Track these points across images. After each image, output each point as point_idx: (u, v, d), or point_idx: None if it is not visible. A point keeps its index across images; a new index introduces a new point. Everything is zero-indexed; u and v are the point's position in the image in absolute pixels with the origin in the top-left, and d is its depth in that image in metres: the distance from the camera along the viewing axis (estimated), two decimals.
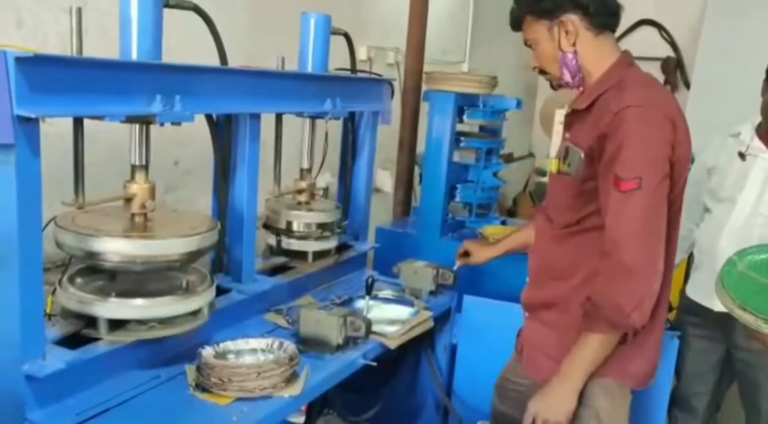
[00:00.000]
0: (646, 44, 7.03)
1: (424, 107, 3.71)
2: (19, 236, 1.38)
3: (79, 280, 1.74)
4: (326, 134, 2.51)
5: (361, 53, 4.10)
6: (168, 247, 1.67)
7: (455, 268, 2.47)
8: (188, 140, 2.88)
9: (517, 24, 1.82)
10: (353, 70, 2.58)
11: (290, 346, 1.77)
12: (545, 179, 3.56)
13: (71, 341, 1.60)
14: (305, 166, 2.40)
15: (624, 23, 6.19)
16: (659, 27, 6.99)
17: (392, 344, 2.05)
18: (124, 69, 1.56)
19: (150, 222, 1.75)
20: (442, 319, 2.51)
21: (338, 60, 2.58)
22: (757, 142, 2.37)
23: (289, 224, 2.37)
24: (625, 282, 1.56)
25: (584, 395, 1.72)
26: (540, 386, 1.76)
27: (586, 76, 1.75)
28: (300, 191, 2.39)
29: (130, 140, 1.71)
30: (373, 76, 2.62)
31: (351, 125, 2.59)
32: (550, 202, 1.89)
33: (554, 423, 1.68)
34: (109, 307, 1.62)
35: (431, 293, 2.46)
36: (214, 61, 1.90)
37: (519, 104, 3.33)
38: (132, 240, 1.63)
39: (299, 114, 2.26)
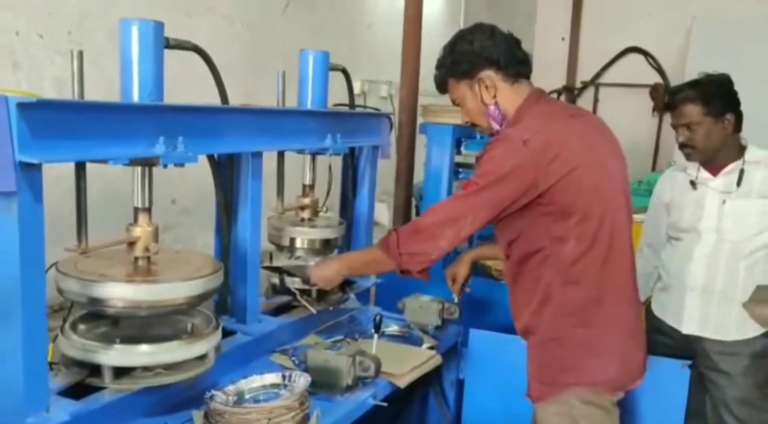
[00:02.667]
0: (634, 72, 7.14)
1: (419, 140, 3.72)
2: (22, 285, 1.34)
3: (81, 326, 1.70)
4: (330, 167, 2.50)
5: (355, 87, 4.11)
6: (174, 291, 1.63)
7: (457, 300, 2.45)
8: (186, 179, 2.86)
9: (442, 87, 2.01)
10: (351, 105, 2.57)
11: (300, 382, 1.72)
12: None
13: (75, 391, 1.55)
14: (307, 182, 2.38)
15: (612, 51, 6.32)
16: (646, 54, 7.08)
17: (402, 383, 2.01)
18: (126, 111, 1.53)
19: (154, 265, 1.72)
20: (449, 353, 2.47)
21: (333, 94, 2.58)
22: (704, 173, 2.47)
23: (292, 241, 2.34)
24: (411, 235, 1.87)
25: (563, 405, 1.87)
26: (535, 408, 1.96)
27: (510, 122, 1.92)
28: (303, 208, 2.37)
29: (132, 183, 1.68)
30: (371, 111, 2.61)
31: (351, 160, 2.57)
32: (499, 242, 2.05)
33: (320, 285, 2.12)
34: (115, 354, 1.57)
35: (437, 327, 2.43)
36: (209, 98, 1.89)
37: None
38: (138, 285, 1.60)
39: (300, 151, 2.24)
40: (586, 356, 1.88)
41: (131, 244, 1.68)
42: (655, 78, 7.03)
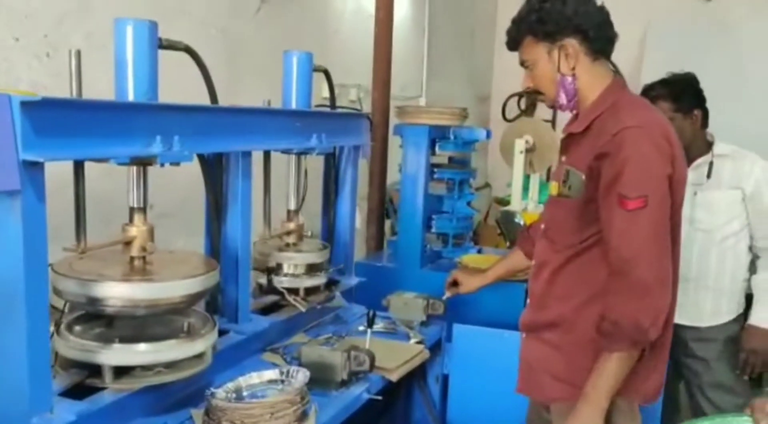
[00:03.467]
0: None
1: (392, 141, 3.76)
2: (26, 284, 1.34)
3: (77, 327, 1.69)
4: (305, 171, 2.51)
5: (325, 91, 4.15)
6: (172, 289, 1.63)
7: (444, 298, 2.49)
8: (163, 183, 2.85)
9: (515, 44, 1.85)
10: (333, 105, 2.60)
11: (300, 377, 1.74)
12: (510, 208, 3.63)
13: (74, 392, 1.55)
14: (292, 207, 2.39)
15: None
16: None
17: (394, 377, 2.04)
18: (126, 110, 1.54)
19: (149, 265, 1.72)
20: (433, 349, 2.51)
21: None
22: None
23: (279, 265, 2.34)
24: (642, 300, 1.60)
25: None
26: (543, 406, 1.86)
27: (581, 100, 1.80)
28: (288, 233, 2.38)
29: (128, 182, 1.68)
30: (352, 111, 2.64)
31: (333, 161, 2.60)
32: (550, 224, 1.90)
33: None
34: (115, 354, 1.57)
35: (422, 323, 2.47)
36: (191, 99, 1.89)
37: (488, 135, 3.40)
38: (136, 284, 1.60)
39: (287, 151, 2.26)
40: (636, 369, 1.70)
41: (127, 244, 1.68)
42: None
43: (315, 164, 2.71)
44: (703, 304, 2.51)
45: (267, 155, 2.23)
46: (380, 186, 3.92)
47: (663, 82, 2.53)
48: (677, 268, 1.77)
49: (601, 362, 1.67)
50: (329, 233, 2.66)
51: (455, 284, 2.47)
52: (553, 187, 1.86)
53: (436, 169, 3.35)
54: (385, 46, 3.86)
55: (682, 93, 2.47)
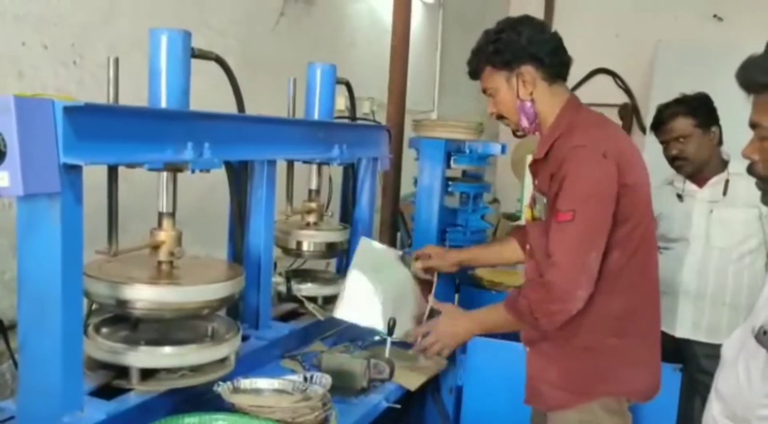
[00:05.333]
0: (602, 92, 7.34)
1: (406, 154, 3.79)
2: (62, 285, 1.37)
3: (104, 329, 1.71)
4: (330, 178, 2.55)
5: (339, 103, 4.20)
6: (201, 293, 1.66)
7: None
8: (180, 191, 2.89)
9: (476, 74, 1.97)
10: (353, 117, 2.64)
11: (322, 382, 1.76)
12: (521, 223, 3.66)
13: (102, 392, 1.57)
14: (314, 186, 2.43)
15: (581, 72, 6.48)
16: (614, 75, 7.31)
17: (412, 386, 2.06)
18: (161, 117, 1.58)
19: (176, 269, 1.75)
20: (448, 361, 2.52)
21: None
22: (690, 185, 2.62)
23: (299, 244, 2.38)
24: (544, 297, 1.76)
25: (585, 413, 1.85)
26: (545, 416, 1.94)
27: (541, 122, 1.91)
28: (309, 212, 2.41)
29: (158, 188, 1.71)
30: (373, 123, 2.67)
31: (352, 171, 2.63)
32: (532, 245, 1.99)
33: (447, 347, 2.04)
34: (142, 356, 1.60)
35: None
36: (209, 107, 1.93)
37: (504, 149, 3.43)
38: (165, 287, 1.63)
39: (309, 161, 2.29)
40: (622, 365, 1.86)
41: (155, 248, 1.71)
42: (623, 98, 7.25)
43: (339, 172, 2.74)
44: (719, 321, 2.52)
45: (290, 165, 2.26)
46: (393, 198, 3.94)
47: (678, 101, 2.57)
48: (654, 272, 1.90)
49: (499, 308, 1.91)
50: (347, 244, 2.68)
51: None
52: (527, 212, 1.99)
53: (450, 183, 3.37)
54: (402, 60, 3.89)
55: (700, 110, 2.51)
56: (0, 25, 2.34)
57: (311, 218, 2.43)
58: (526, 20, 1.88)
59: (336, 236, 2.44)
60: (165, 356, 1.63)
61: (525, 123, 1.92)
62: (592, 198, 1.73)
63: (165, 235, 1.71)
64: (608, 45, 7.20)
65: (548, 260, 1.76)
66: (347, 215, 2.68)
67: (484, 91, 1.97)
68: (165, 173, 1.69)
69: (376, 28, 4.96)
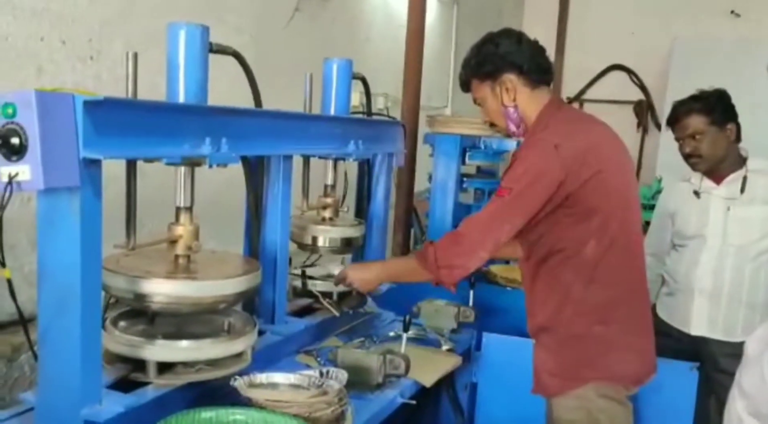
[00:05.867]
0: (617, 88, 7.31)
1: (421, 150, 3.79)
2: (81, 278, 1.37)
3: (121, 323, 1.72)
4: (345, 174, 2.55)
5: (354, 98, 4.20)
6: (218, 288, 1.67)
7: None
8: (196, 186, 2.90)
9: (466, 86, 2.11)
10: (369, 113, 2.63)
11: (339, 377, 1.76)
12: None
13: (119, 385, 1.58)
14: (329, 182, 2.44)
15: (596, 69, 6.45)
16: (629, 72, 7.26)
17: (428, 382, 2.06)
18: (180, 112, 1.58)
19: (193, 264, 1.75)
20: (462, 357, 2.52)
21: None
22: (707, 182, 2.60)
23: (314, 239, 2.39)
24: (450, 248, 1.93)
25: (580, 399, 1.94)
26: (549, 402, 2.02)
27: (528, 125, 2.03)
28: (325, 207, 2.42)
29: (175, 182, 1.72)
30: (388, 119, 2.67)
31: (367, 167, 2.63)
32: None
33: (357, 286, 2.19)
34: (159, 350, 1.61)
35: (453, 331, 2.48)
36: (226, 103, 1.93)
37: (518, 146, 3.41)
38: (183, 281, 1.63)
39: (325, 156, 2.29)
40: (605, 351, 1.95)
41: (173, 242, 1.72)
42: (638, 95, 7.21)
43: (354, 168, 2.74)
44: (736, 319, 2.50)
45: (306, 160, 2.26)
46: (407, 194, 3.94)
47: (694, 98, 2.55)
48: (639, 261, 2.01)
49: (407, 258, 2.16)
50: (362, 240, 2.68)
51: None
52: None
53: (465, 179, 3.37)
54: (417, 56, 3.89)
55: (715, 106, 2.49)
56: (19, 21, 2.36)
57: (327, 213, 2.43)
58: (504, 33, 2.02)
59: (352, 231, 2.44)
60: (182, 349, 1.63)
61: (512, 127, 2.05)
62: (530, 182, 1.85)
63: (182, 229, 1.72)
64: (624, 42, 7.16)
65: (470, 217, 1.98)
66: (362, 211, 2.68)
67: (475, 102, 2.11)
68: (183, 168, 1.70)
69: (390, 24, 4.96)
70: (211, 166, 1.64)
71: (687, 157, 2.56)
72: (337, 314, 2.27)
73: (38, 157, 1.26)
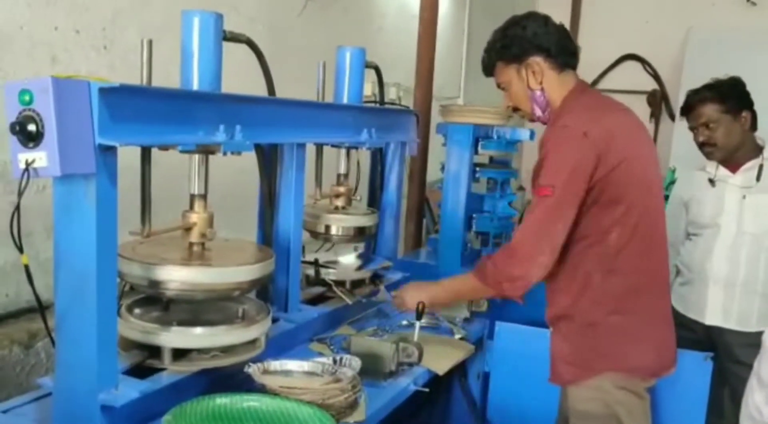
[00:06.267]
0: (631, 78, 7.24)
1: (434, 140, 3.78)
2: (98, 265, 1.38)
3: (137, 310, 1.74)
4: (358, 163, 2.54)
5: (366, 88, 4.20)
6: (231, 275, 1.67)
7: None
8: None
9: (489, 70, 2.08)
10: (381, 102, 2.63)
11: (352, 364, 1.77)
12: None
13: (135, 371, 1.59)
14: (342, 170, 2.44)
15: (609, 58, 6.40)
16: (643, 62, 7.20)
17: (441, 370, 2.06)
18: (194, 99, 1.58)
19: (207, 251, 1.76)
20: (475, 346, 2.52)
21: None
22: (723, 170, 2.59)
23: (327, 228, 2.39)
24: (507, 260, 1.88)
25: (597, 390, 1.91)
26: (565, 391, 2.01)
27: (553, 110, 1.99)
28: (338, 196, 2.43)
29: (189, 170, 1.72)
30: (401, 107, 2.67)
31: (380, 156, 2.63)
32: None
33: (404, 299, 2.14)
34: (175, 336, 1.62)
35: (465, 319, 2.48)
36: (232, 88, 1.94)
37: (532, 135, 3.40)
38: (197, 268, 1.64)
39: (338, 145, 2.29)
40: (622, 342, 1.92)
41: (187, 230, 1.73)
42: (652, 85, 7.14)
43: (367, 157, 2.74)
44: (751, 308, 2.49)
45: (319, 149, 2.26)
46: (420, 184, 3.95)
47: (708, 86, 2.53)
48: (660, 250, 1.97)
49: (465, 276, 2.04)
50: (375, 229, 2.69)
51: None
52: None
53: (477, 169, 3.35)
54: (429, 45, 3.88)
55: (729, 95, 2.47)
56: (34, 10, 2.37)
57: (340, 202, 2.43)
58: (531, 16, 1.99)
59: (365, 220, 2.44)
60: (196, 336, 1.65)
61: (538, 112, 2.01)
62: (570, 175, 1.81)
63: (197, 217, 1.73)
64: (638, 31, 7.10)
65: (521, 225, 1.91)
66: (375, 200, 2.68)
67: (499, 86, 2.08)
68: (197, 156, 1.70)
69: (403, 13, 4.94)
70: (225, 153, 1.65)
71: (701, 146, 2.54)
72: (350, 302, 2.28)
73: (55, 143, 1.27)
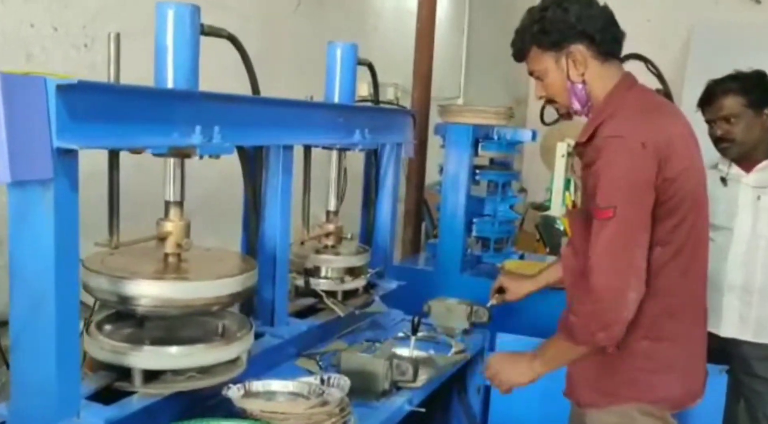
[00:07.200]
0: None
1: (432, 141, 3.66)
2: (56, 279, 1.26)
3: (107, 327, 1.60)
4: (345, 170, 2.40)
5: (362, 90, 4.07)
6: (208, 289, 1.54)
7: (489, 305, 2.36)
8: (191, 179, 2.79)
9: (521, 56, 1.83)
10: (376, 101, 2.50)
11: (340, 385, 1.64)
12: (550, 213, 3.50)
13: (102, 396, 1.46)
14: (332, 208, 2.29)
15: None
16: (646, 61, 7.07)
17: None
18: (165, 98, 1.46)
19: (185, 262, 1.63)
20: (475, 358, 2.39)
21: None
22: (736, 169, 2.45)
23: (316, 268, 2.23)
24: (593, 306, 1.63)
25: (623, 417, 1.77)
26: (583, 415, 1.86)
27: (594, 104, 1.76)
28: (327, 235, 2.27)
29: (164, 175, 1.59)
30: (397, 107, 2.54)
31: (374, 158, 2.50)
32: (573, 236, 1.89)
33: (506, 384, 1.90)
34: (145, 357, 1.48)
35: (464, 331, 2.35)
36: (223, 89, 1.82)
37: (534, 136, 3.28)
38: (170, 283, 1.51)
39: (329, 147, 2.16)
40: (651, 370, 1.75)
41: (162, 239, 1.59)
42: (655, 84, 7.01)
43: (353, 163, 2.61)
44: None
45: (308, 151, 2.13)
46: (418, 187, 3.82)
47: (732, 77, 2.39)
48: (702, 271, 1.80)
49: (556, 341, 1.77)
50: (368, 234, 2.56)
51: (501, 290, 2.35)
52: (568, 199, 1.85)
53: (477, 171, 3.24)
54: (427, 44, 3.76)
55: (754, 88, 2.34)
56: (8, 6, 2.24)
57: (329, 241, 2.28)
58: None
59: (355, 260, 2.28)
60: (170, 356, 1.51)
61: (577, 106, 1.79)
62: (632, 192, 1.61)
63: (172, 225, 1.59)
64: (639, 30, 6.95)
65: (589, 261, 1.62)
66: (369, 204, 2.55)
67: (531, 74, 1.84)
68: (172, 159, 1.57)
69: (400, 11, 4.81)
70: (201, 157, 1.51)
71: (717, 141, 2.41)
72: (341, 314, 2.14)
73: (4, 146, 1.14)
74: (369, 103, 2.47)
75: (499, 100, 5.71)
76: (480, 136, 3.15)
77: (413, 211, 3.81)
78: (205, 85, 1.72)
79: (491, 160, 3.55)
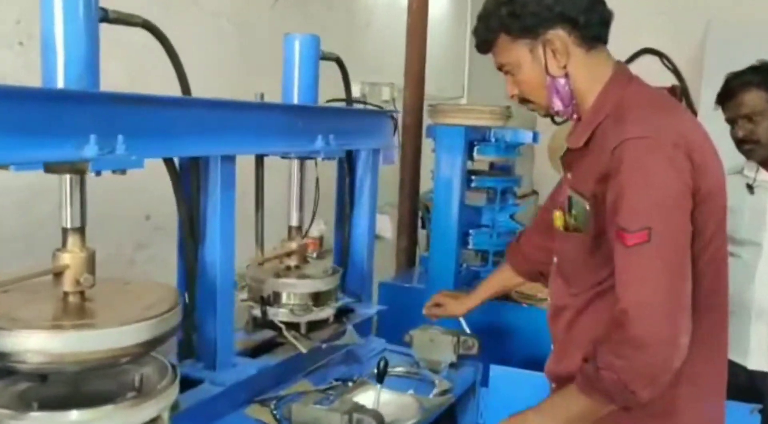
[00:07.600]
0: (648, 74, 6.69)
1: (425, 145, 3.37)
2: None
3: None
4: (317, 179, 2.11)
5: (354, 90, 3.77)
6: (112, 339, 1.23)
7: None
8: (162, 191, 2.51)
9: (486, 46, 1.49)
10: (348, 101, 2.19)
11: None
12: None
13: None
14: (294, 223, 1.98)
15: (626, 52, 5.87)
16: (661, 56, 6.75)
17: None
18: (46, 100, 1.15)
19: (89, 302, 1.33)
20: (466, 394, 2.08)
21: (330, 93, 2.21)
22: (764, 174, 2.16)
23: (276, 295, 1.91)
24: (634, 359, 1.26)
25: None
26: None
27: (580, 102, 1.44)
28: (289, 254, 1.96)
29: (60, 195, 1.29)
30: (371, 108, 2.23)
31: (348, 166, 2.19)
32: (562, 259, 1.54)
33: None
34: None
35: (452, 365, 2.03)
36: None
37: (536, 138, 2.96)
38: (60, 332, 1.20)
39: (285, 155, 1.86)
40: (660, 416, 1.41)
41: (57, 275, 1.29)
42: (671, 80, 6.70)
43: (330, 171, 2.32)
44: None
45: (260, 160, 1.83)
46: (411, 194, 3.53)
47: (754, 69, 2.08)
48: (722, 297, 1.47)
49: (571, 395, 1.36)
50: (344, 252, 2.25)
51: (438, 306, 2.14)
52: (557, 218, 1.48)
53: (474, 177, 2.93)
54: (419, 38, 3.45)
55: None
56: None
57: (292, 261, 1.98)
58: None
59: (324, 283, 1.97)
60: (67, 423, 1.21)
61: (559, 105, 1.46)
62: (670, 207, 1.28)
63: (70, 257, 1.29)
64: (653, 24, 6.65)
65: (621, 302, 1.28)
66: (343, 218, 2.24)
67: (500, 68, 1.51)
68: (68, 177, 1.27)
69: (394, 6, 4.51)
70: (98, 173, 1.21)
71: (740, 142, 2.09)
72: (303, 350, 1.84)
73: None
74: (339, 104, 2.16)
75: (505, 99, 5.41)
76: (476, 138, 2.85)
77: (407, 219, 3.51)
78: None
79: (491, 165, 3.24)
